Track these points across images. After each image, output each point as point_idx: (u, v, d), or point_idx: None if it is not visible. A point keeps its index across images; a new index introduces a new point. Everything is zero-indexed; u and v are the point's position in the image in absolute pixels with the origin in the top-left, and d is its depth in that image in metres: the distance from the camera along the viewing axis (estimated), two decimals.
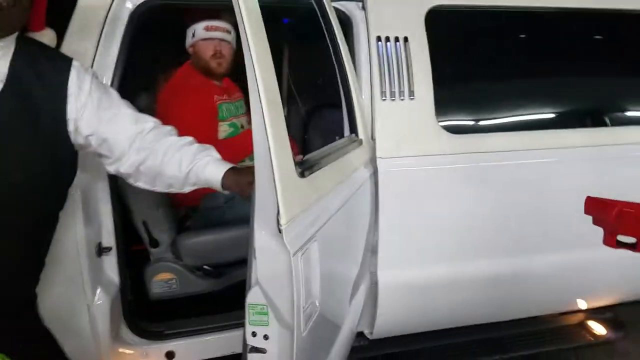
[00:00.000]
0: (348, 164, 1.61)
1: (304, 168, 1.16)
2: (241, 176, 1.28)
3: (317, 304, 1.16)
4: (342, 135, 1.94)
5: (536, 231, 2.04)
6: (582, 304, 2.27)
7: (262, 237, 1.01)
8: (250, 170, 1.08)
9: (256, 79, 0.96)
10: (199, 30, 2.23)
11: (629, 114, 2.42)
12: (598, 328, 2.33)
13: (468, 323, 2.16)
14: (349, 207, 1.51)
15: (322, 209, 1.21)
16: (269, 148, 0.96)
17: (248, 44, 0.96)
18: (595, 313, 2.36)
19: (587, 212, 1.17)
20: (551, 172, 2.03)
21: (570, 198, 2.00)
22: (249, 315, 1.05)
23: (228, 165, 1.32)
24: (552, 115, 2.26)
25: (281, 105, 1.07)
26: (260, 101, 0.97)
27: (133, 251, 2.13)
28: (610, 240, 1.10)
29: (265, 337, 1.04)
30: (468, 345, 2.22)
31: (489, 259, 2.02)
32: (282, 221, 0.97)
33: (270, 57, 1.05)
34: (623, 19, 2.30)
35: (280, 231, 0.98)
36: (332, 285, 1.42)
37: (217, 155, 1.35)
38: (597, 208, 1.14)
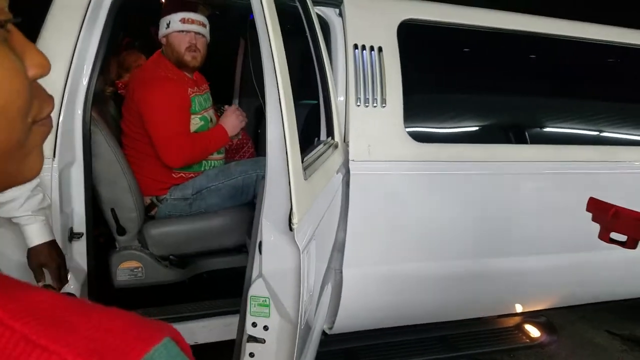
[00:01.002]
0: (330, 167, 1.70)
1: (306, 170, 1.24)
2: (46, 256, 1.39)
3: (313, 297, 1.25)
4: (311, 135, 2.03)
5: (485, 237, 2.25)
6: (520, 308, 2.51)
7: (271, 234, 1.08)
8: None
9: (278, 86, 1.03)
10: (175, 22, 2.19)
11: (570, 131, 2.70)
12: (533, 331, 2.57)
13: (422, 321, 2.34)
14: (329, 209, 1.61)
15: (317, 209, 1.30)
16: (287, 152, 1.04)
17: (271, 51, 1.03)
18: (530, 316, 2.61)
19: (588, 209, 1.34)
20: (503, 183, 2.24)
21: (516, 209, 2.27)
22: (251, 306, 1.12)
23: (47, 238, 1.41)
24: (509, 130, 2.48)
25: (294, 110, 1.14)
26: (281, 106, 1.04)
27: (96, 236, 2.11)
28: (605, 236, 1.28)
29: (265, 328, 1.12)
30: (417, 342, 2.40)
31: (443, 260, 2.20)
32: (295, 220, 1.05)
33: (286, 64, 1.12)
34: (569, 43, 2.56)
35: (291, 229, 1.06)
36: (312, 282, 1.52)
37: (46, 223, 1.43)
38: (596, 207, 1.32)
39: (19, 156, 0.36)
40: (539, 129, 2.54)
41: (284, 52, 1.11)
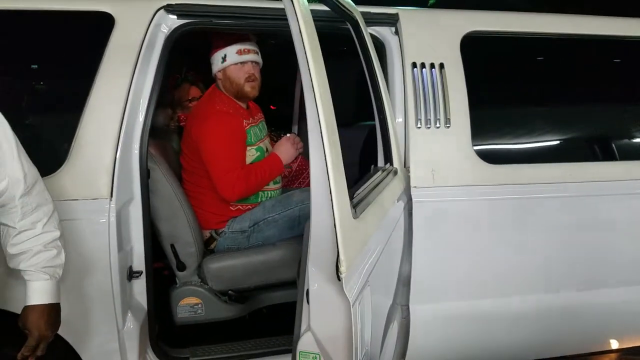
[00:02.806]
0: (388, 198, 1.58)
1: (356, 207, 1.12)
2: (33, 321, 1.24)
3: (369, 353, 1.12)
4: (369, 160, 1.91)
5: (571, 267, 1.99)
6: (616, 344, 2.21)
7: (318, 283, 0.97)
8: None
9: (319, 120, 0.93)
10: (232, 55, 2.17)
11: None
12: None
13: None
14: (390, 242, 1.48)
15: (371, 249, 1.18)
16: (330, 191, 0.93)
17: (312, 85, 0.94)
18: (629, 353, 2.29)
19: None
20: (597, 206, 1.98)
21: (607, 234, 1.99)
22: None
23: (45, 301, 1.25)
24: (593, 145, 2.21)
25: (339, 145, 1.04)
26: (323, 142, 0.94)
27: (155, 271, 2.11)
28: None
29: None
30: None
31: (523, 294, 1.97)
32: (342, 268, 0.94)
33: (329, 95, 1.02)
34: None
35: (339, 279, 0.94)
36: (372, 323, 1.38)
37: (51, 283, 1.27)
38: None
39: None
40: (628, 142, 2.25)
41: (326, 79, 1.01)
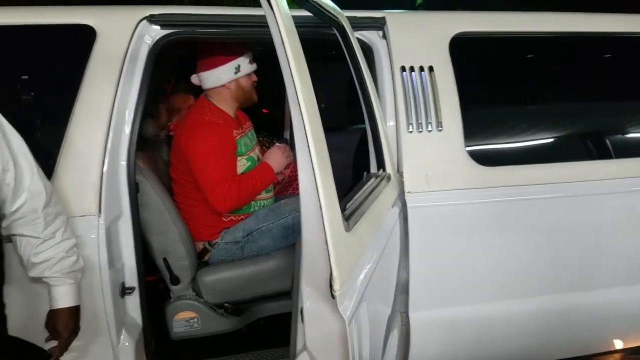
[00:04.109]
0: (382, 205, 1.55)
1: (348, 219, 1.09)
2: (63, 323, 1.35)
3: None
4: (358, 163, 1.87)
5: (569, 268, 1.97)
6: (620, 344, 2.18)
7: (312, 301, 0.94)
8: None
9: (305, 132, 0.90)
10: (245, 65, 2.15)
11: None
12: None
13: None
14: (386, 250, 1.45)
15: (366, 262, 1.15)
16: (320, 206, 0.90)
17: (297, 96, 0.91)
18: (634, 352, 2.27)
19: None
20: (585, 206, 1.96)
21: (603, 234, 1.97)
22: None
23: (72, 303, 1.37)
24: (588, 143, 2.19)
25: (328, 156, 1.01)
26: (310, 154, 0.91)
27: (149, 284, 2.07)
28: None
29: None
30: None
31: (522, 298, 1.94)
32: (336, 286, 0.90)
33: (316, 105, 0.99)
34: None
35: (333, 296, 0.91)
36: (372, 335, 1.35)
37: (74, 287, 1.39)
38: None
39: None
40: (623, 140, 2.23)
41: (311, 88, 0.98)
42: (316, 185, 0.91)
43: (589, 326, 2.04)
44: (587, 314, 2.01)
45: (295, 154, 0.97)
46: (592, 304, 2.00)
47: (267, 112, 4.03)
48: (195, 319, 2.06)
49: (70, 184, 1.61)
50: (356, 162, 2.64)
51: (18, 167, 1.26)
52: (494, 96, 2.14)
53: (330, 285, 0.90)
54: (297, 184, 2.65)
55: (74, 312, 1.38)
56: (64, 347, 1.37)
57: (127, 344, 1.73)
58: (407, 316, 1.85)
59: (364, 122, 1.94)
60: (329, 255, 0.90)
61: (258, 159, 2.26)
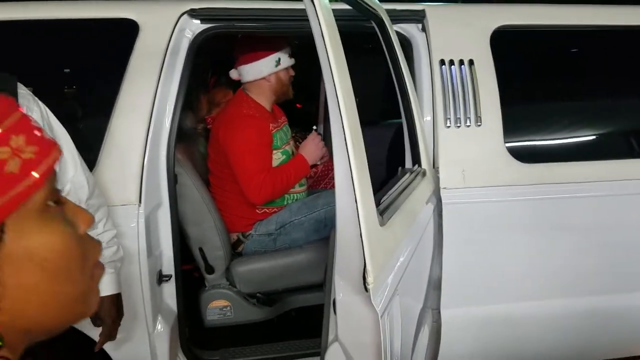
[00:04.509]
0: (417, 201, 1.53)
1: (383, 214, 1.09)
2: (105, 310, 1.37)
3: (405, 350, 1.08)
4: (392, 159, 1.85)
5: (608, 269, 1.90)
6: None
7: (344, 293, 0.94)
8: None
9: (342, 125, 0.90)
10: (285, 58, 2.18)
11: None
12: None
13: None
14: (419, 246, 1.44)
15: (400, 257, 1.14)
16: (356, 199, 0.90)
17: (335, 89, 0.91)
18: None
19: None
20: (635, 205, 1.88)
21: None
22: None
23: (114, 291, 1.39)
24: (632, 140, 2.10)
25: (364, 150, 1.00)
26: (347, 148, 0.91)
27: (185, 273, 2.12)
28: None
29: None
30: None
31: (559, 298, 1.89)
32: (370, 279, 0.90)
33: (353, 98, 0.99)
34: None
35: (367, 289, 0.91)
36: (403, 330, 1.35)
37: (116, 275, 1.41)
38: None
39: (83, 299, 0.47)
40: None
41: (349, 81, 0.98)
42: (352, 179, 0.91)
43: (630, 328, 1.97)
44: (628, 316, 1.94)
45: (329, 147, 0.97)
46: (634, 306, 1.93)
47: (300, 107, 4.05)
48: (228, 308, 2.10)
49: (112, 174, 1.66)
50: (390, 158, 2.62)
51: (62, 159, 1.28)
52: (534, 91, 2.08)
53: (364, 278, 0.91)
54: (330, 179, 2.69)
55: (116, 300, 1.41)
56: (108, 334, 1.41)
57: (162, 330, 1.78)
58: (439, 313, 1.83)
59: (397, 117, 1.92)
60: (363, 248, 0.90)
61: (292, 152, 2.28)
